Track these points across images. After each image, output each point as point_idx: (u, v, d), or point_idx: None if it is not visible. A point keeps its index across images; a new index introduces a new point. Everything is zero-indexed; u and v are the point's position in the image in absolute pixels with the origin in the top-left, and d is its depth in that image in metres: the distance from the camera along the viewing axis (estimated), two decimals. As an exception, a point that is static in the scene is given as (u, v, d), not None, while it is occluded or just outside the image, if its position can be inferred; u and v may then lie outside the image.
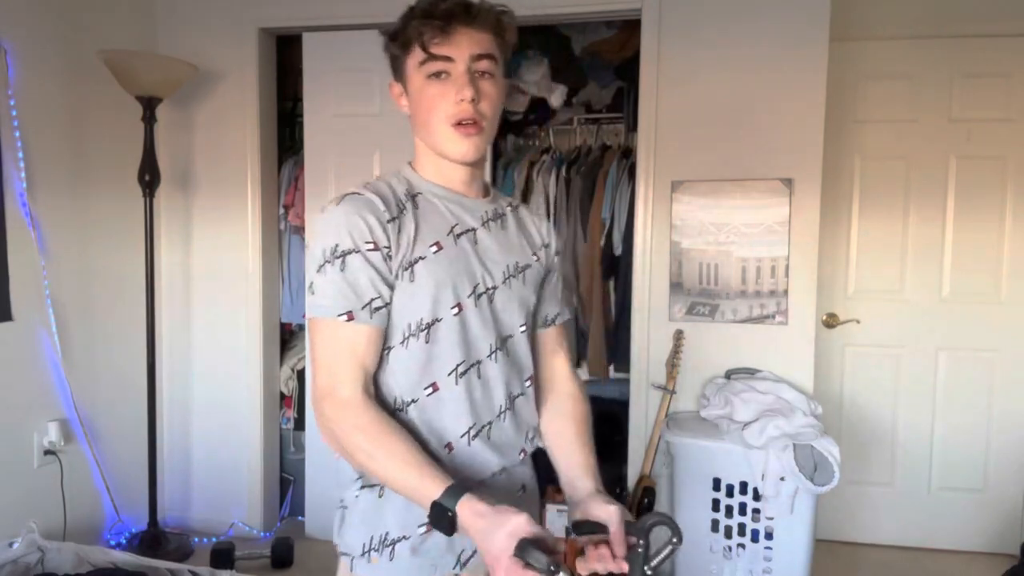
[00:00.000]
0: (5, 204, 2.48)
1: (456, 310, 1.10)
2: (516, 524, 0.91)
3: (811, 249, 2.72)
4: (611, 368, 3.20)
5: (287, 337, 3.44)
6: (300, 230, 3.25)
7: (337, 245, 1.04)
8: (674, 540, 1.00)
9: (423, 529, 1.06)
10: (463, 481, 0.99)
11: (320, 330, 1.06)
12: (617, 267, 3.11)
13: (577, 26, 3.35)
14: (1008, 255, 3.03)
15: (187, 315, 3.22)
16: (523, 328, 1.20)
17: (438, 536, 1.05)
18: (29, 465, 2.61)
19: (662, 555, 1.00)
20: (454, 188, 1.16)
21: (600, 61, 3.37)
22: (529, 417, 1.21)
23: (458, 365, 1.10)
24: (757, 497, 2.42)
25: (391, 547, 1.08)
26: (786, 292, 2.73)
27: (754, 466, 2.40)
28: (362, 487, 1.10)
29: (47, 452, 2.65)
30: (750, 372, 2.71)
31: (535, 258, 1.24)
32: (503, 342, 1.16)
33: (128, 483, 2.99)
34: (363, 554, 1.09)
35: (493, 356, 1.14)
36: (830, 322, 3.12)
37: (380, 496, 1.09)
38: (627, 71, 3.17)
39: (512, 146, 3.52)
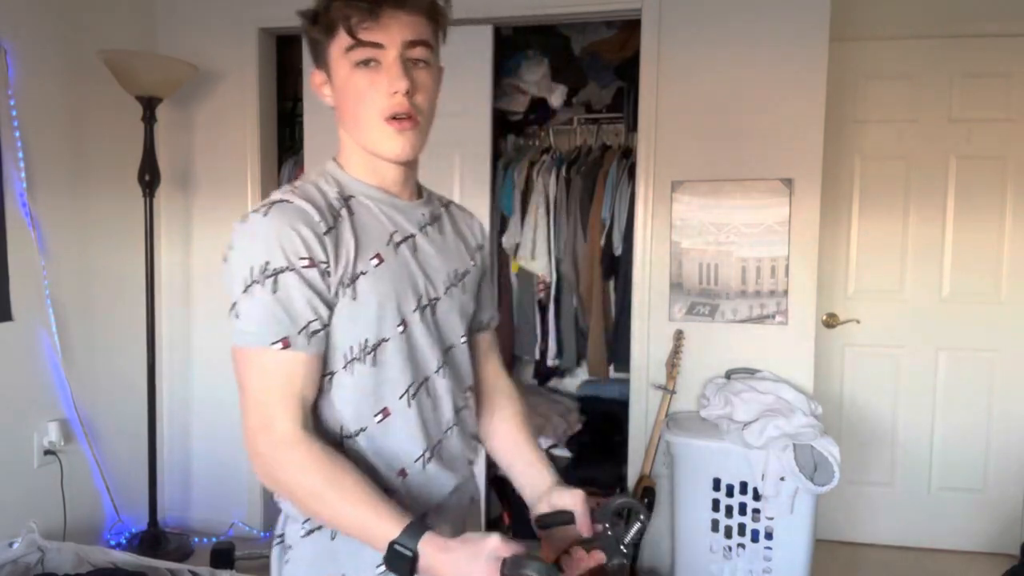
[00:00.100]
0: (5, 204, 2.48)
1: (402, 328, 1.00)
2: (493, 547, 0.86)
3: (811, 249, 2.72)
4: (611, 368, 3.20)
5: (287, 337, 3.44)
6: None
7: (268, 262, 0.92)
8: (642, 518, 1.00)
9: (381, 569, 0.94)
10: (421, 517, 0.93)
11: (249, 360, 0.93)
12: (617, 267, 3.11)
13: (577, 26, 3.35)
14: (1008, 255, 3.03)
15: (187, 315, 3.22)
16: (464, 338, 1.12)
17: (382, 573, 0.95)
18: (29, 465, 2.61)
19: (631, 534, 1.00)
20: (388, 189, 1.05)
21: (600, 61, 3.37)
22: (472, 426, 1.16)
23: (409, 387, 1.01)
24: (757, 497, 2.42)
25: None
26: (786, 292, 2.73)
27: (754, 466, 2.40)
28: (311, 529, 1.00)
29: (47, 452, 2.65)
30: (750, 372, 2.71)
31: (472, 263, 1.17)
32: (446, 354, 1.08)
33: (128, 483, 2.99)
34: None
35: (440, 371, 1.06)
36: (830, 322, 3.12)
37: (333, 538, 0.98)
38: (627, 71, 3.17)
39: (512, 146, 3.52)
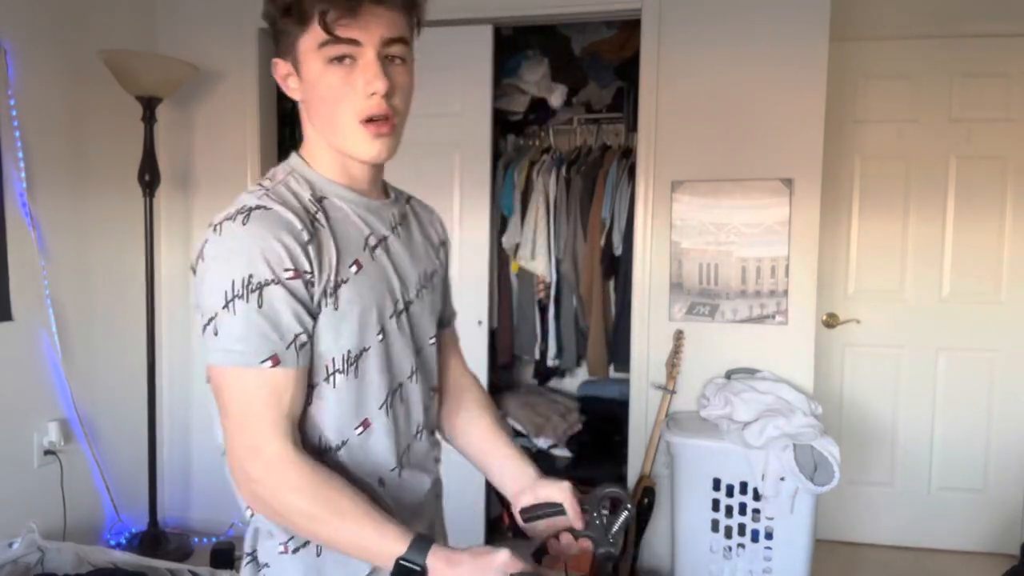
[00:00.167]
0: (5, 204, 2.48)
1: (381, 336, 0.97)
2: (501, 562, 0.84)
3: (811, 249, 2.72)
4: (611, 368, 3.21)
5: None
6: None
7: (251, 275, 0.86)
8: (628, 507, 1.01)
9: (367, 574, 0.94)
10: (425, 532, 0.92)
11: (234, 381, 0.88)
12: (617, 267, 3.11)
13: (577, 26, 3.35)
14: (1008, 255, 3.03)
15: (187, 315, 3.22)
16: (432, 339, 1.10)
17: None
18: (29, 465, 2.61)
19: (618, 523, 1.00)
20: (358, 188, 1.00)
21: (600, 61, 3.37)
22: (435, 423, 1.14)
23: (387, 396, 0.98)
24: (757, 497, 2.42)
25: None
26: (786, 292, 2.73)
27: (754, 466, 2.40)
28: (296, 547, 0.95)
29: (47, 452, 2.65)
30: (750, 372, 2.71)
31: (438, 261, 1.15)
32: (418, 358, 1.05)
33: (128, 483, 2.99)
34: None
35: (413, 376, 1.03)
36: (830, 322, 3.12)
37: (319, 554, 0.94)
38: (627, 71, 3.17)
39: (512, 146, 3.52)
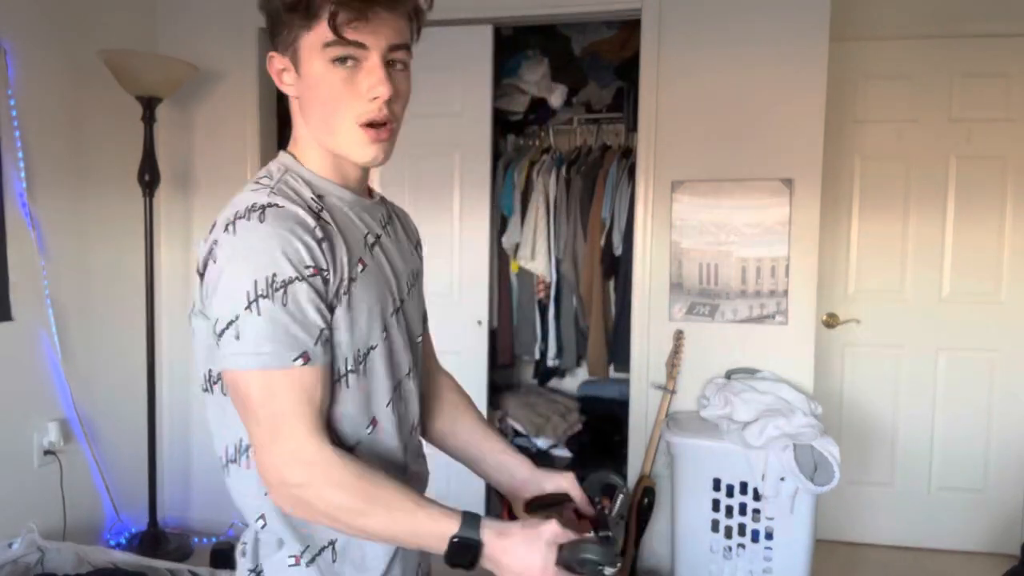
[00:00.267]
0: (5, 204, 2.48)
1: (384, 333, 0.97)
2: (552, 532, 0.86)
3: (811, 249, 2.72)
4: (611, 368, 3.21)
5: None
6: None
7: (275, 274, 0.84)
8: (625, 490, 1.04)
9: None
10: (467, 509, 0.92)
11: (264, 384, 0.85)
12: (617, 267, 3.11)
13: (577, 26, 3.35)
14: (1008, 255, 3.03)
15: (187, 315, 3.22)
16: (420, 337, 1.11)
17: None
18: (29, 465, 2.61)
19: (618, 507, 1.02)
20: (351, 188, 1.00)
21: (600, 61, 3.37)
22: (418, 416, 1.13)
23: (391, 393, 0.98)
24: (757, 497, 2.42)
25: None
26: (786, 292, 2.73)
27: (754, 466, 2.40)
28: (308, 560, 0.93)
29: (47, 452, 2.65)
30: (750, 372, 2.71)
31: (419, 260, 1.15)
32: (413, 355, 1.06)
33: (128, 483, 2.99)
34: None
35: (410, 373, 1.04)
36: (830, 322, 3.12)
37: (335, 561, 0.94)
38: (627, 71, 3.17)
39: (512, 146, 3.52)
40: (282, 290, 0.84)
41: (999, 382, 3.06)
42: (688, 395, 2.78)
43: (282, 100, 3.43)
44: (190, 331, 0.97)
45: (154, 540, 2.90)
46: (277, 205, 0.88)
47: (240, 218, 0.86)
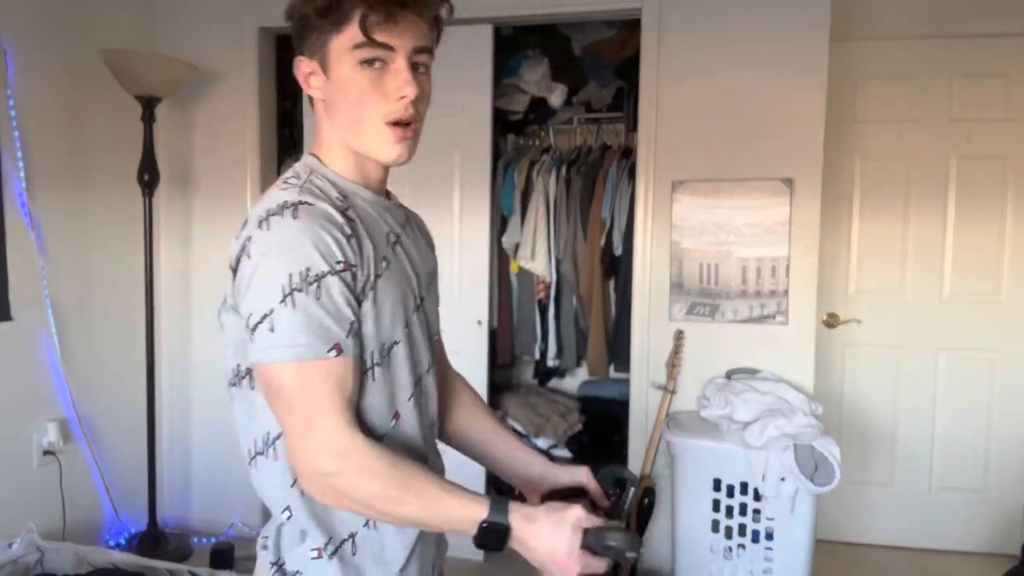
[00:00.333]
0: (4, 204, 2.48)
1: (406, 330, 1.00)
2: (577, 517, 0.89)
3: (811, 249, 2.71)
4: (611, 368, 3.20)
5: (287, 337, 3.44)
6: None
7: (308, 268, 0.87)
8: (634, 485, 1.08)
9: (402, 571, 0.99)
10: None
11: (298, 375, 0.87)
12: (617, 267, 3.11)
13: (577, 26, 3.35)
14: (1008, 255, 3.03)
15: (187, 315, 3.22)
16: (437, 335, 1.13)
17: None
18: (28, 465, 2.61)
19: (630, 499, 1.07)
20: (374, 189, 1.03)
21: (600, 61, 3.37)
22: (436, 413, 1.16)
23: (412, 388, 1.01)
24: (757, 497, 2.42)
25: None
26: (786, 292, 2.73)
27: (754, 466, 2.40)
28: (331, 552, 0.95)
29: (46, 452, 2.65)
30: (750, 372, 2.71)
31: (435, 261, 1.19)
32: (431, 352, 1.08)
33: (127, 483, 2.99)
34: None
35: (430, 370, 1.07)
36: (831, 322, 3.12)
37: (355, 554, 0.96)
38: (627, 71, 3.17)
39: (512, 146, 3.52)
40: (315, 284, 0.87)
41: (999, 382, 3.06)
42: (688, 395, 2.78)
43: (282, 100, 3.44)
44: (218, 326, 1.00)
45: (154, 540, 2.89)
46: (308, 203, 0.91)
47: (273, 215, 0.89)
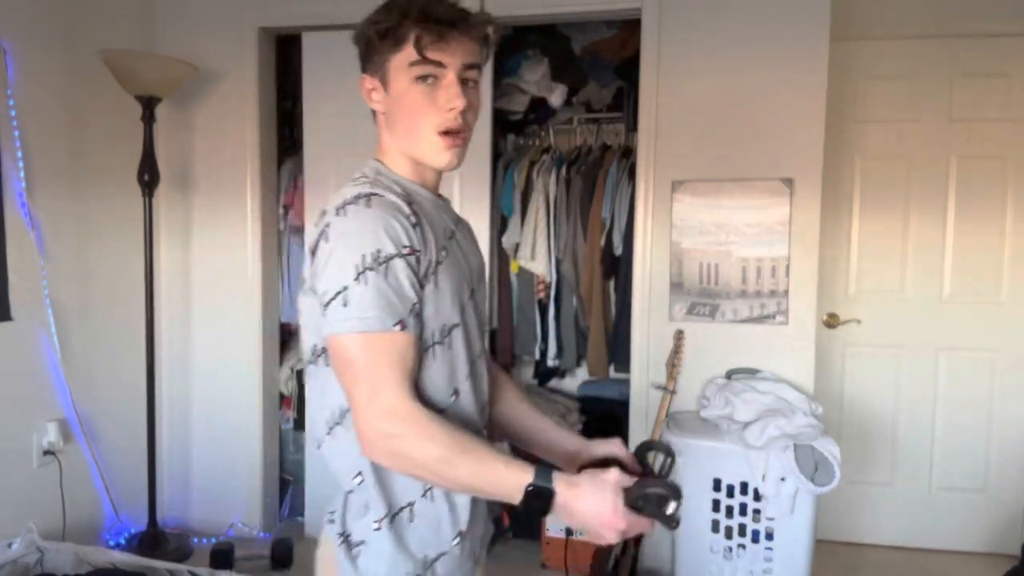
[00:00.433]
0: (4, 204, 2.48)
1: (463, 314, 1.10)
2: (616, 477, 0.96)
3: (811, 249, 2.72)
4: (611, 368, 3.20)
5: (287, 337, 3.44)
6: (300, 230, 3.25)
7: (379, 250, 0.98)
8: (670, 458, 1.14)
9: (456, 541, 1.08)
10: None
11: (367, 345, 0.97)
12: (617, 267, 3.11)
13: (577, 26, 3.34)
14: (1008, 255, 3.03)
15: (187, 315, 3.22)
16: (486, 325, 1.25)
17: (458, 548, 1.08)
18: (28, 465, 2.61)
19: (664, 466, 1.14)
20: (430, 190, 1.16)
21: (600, 61, 3.36)
22: (487, 396, 1.24)
23: (468, 368, 1.11)
24: (757, 497, 2.42)
25: (431, 566, 1.07)
26: (786, 292, 2.73)
27: (754, 466, 2.40)
28: (389, 522, 1.04)
29: (46, 452, 2.65)
30: (751, 372, 2.71)
31: (483, 258, 1.30)
32: (481, 340, 1.19)
33: (127, 483, 2.99)
34: None
35: (482, 355, 1.17)
36: (831, 322, 3.12)
37: (412, 521, 1.06)
38: (627, 71, 3.17)
39: (512, 146, 3.51)
40: (385, 264, 0.98)
41: (999, 382, 3.06)
42: (688, 395, 2.78)
43: (282, 100, 3.45)
44: (297, 311, 1.09)
45: (153, 540, 2.89)
46: (379, 195, 1.03)
47: (349, 204, 1.02)
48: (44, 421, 2.65)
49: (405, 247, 1.00)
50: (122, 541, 2.93)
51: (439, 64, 1.05)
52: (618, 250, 3.07)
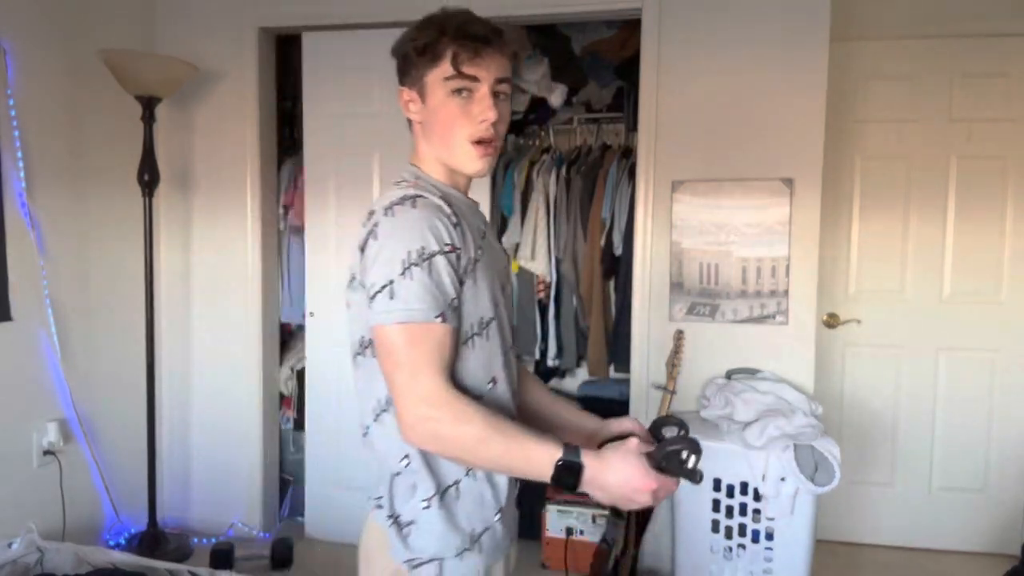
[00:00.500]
0: (4, 204, 2.48)
1: (497, 308, 1.18)
2: (636, 444, 1.06)
3: (811, 249, 2.71)
4: (611, 368, 3.20)
5: (287, 337, 3.44)
6: (300, 230, 3.25)
7: (424, 248, 1.05)
8: (683, 430, 1.21)
9: (497, 516, 1.16)
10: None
11: (409, 335, 1.05)
12: (617, 267, 3.11)
13: (577, 26, 3.34)
14: (1008, 255, 3.03)
15: (187, 315, 3.22)
16: (514, 320, 1.32)
17: (500, 523, 1.17)
18: (28, 465, 2.61)
19: (678, 433, 1.22)
20: (462, 192, 1.24)
21: (600, 61, 3.36)
22: (517, 384, 1.33)
23: (504, 357, 1.19)
24: (757, 498, 2.42)
25: (478, 540, 1.15)
26: (786, 292, 2.73)
27: (754, 466, 2.40)
28: (438, 501, 1.11)
29: (46, 452, 2.65)
30: (751, 372, 2.71)
31: (508, 259, 1.36)
32: (512, 333, 1.27)
33: (127, 483, 2.99)
34: (457, 555, 1.13)
35: (512, 348, 1.25)
36: (831, 322, 3.12)
37: (458, 498, 1.13)
38: (627, 71, 3.17)
39: (512, 146, 3.51)
40: (428, 260, 1.05)
41: (999, 382, 3.06)
42: (688, 395, 2.78)
43: (282, 100, 3.44)
44: (345, 305, 1.17)
45: (153, 540, 2.89)
46: (424, 196, 1.11)
47: (396, 205, 1.09)
48: (44, 421, 2.66)
49: (447, 245, 1.07)
50: (122, 541, 2.93)
51: (473, 78, 1.13)
52: (618, 250, 3.07)
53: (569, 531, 2.87)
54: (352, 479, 3.01)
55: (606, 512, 2.91)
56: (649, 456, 1.05)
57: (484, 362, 1.15)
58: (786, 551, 2.42)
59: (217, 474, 3.21)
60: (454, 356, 1.09)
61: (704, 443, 2.67)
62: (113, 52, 2.70)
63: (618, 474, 1.03)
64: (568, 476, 1.02)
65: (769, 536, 2.43)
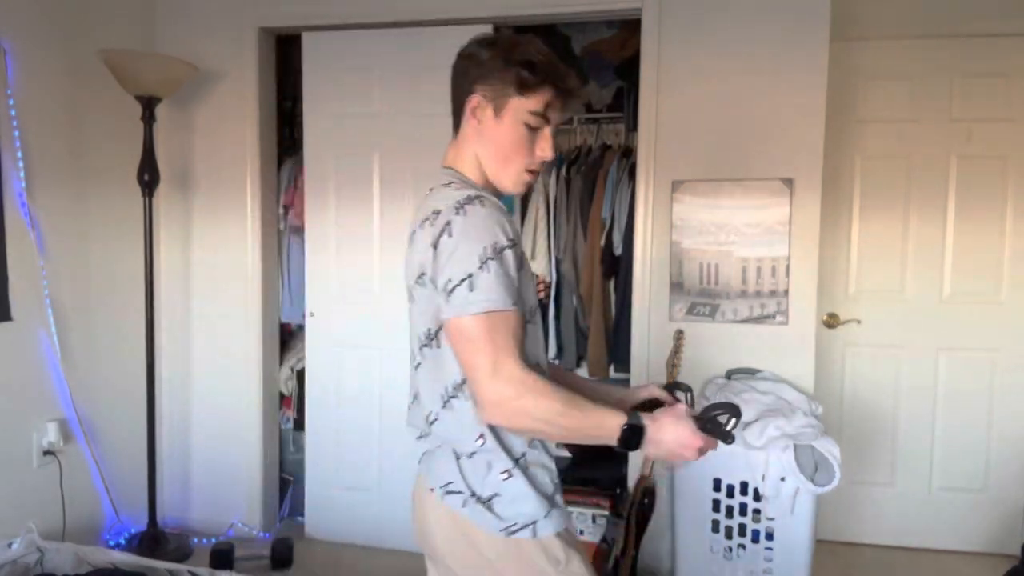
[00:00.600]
0: (4, 204, 2.48)
1: (535, 300, 1.31)
2: (683, 410, 1.21)
3: (811, 249, 2.71)
4: (611, 368, 3.20)
5: (287, 337, 3.44)
6: (300, 230, 3.25)
7: (496, 242, 1.15)
8: (690, 393, 1.45)
9: (557, 480, 1.29)
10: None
11: (490, 323, 1.14)
12: (617, 267, 3.11)
13: (577, 26, 3.34)
14: (1009, 255, 3.03)
15: (187, 315, 3.22)
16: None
17: (559, 486, 1.29)
18: (28, 465, 2.61)
19: (690, 400, 1.43)
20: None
21: (600, 61, 3.36)
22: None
23: (543, 342, 1.31)
24: (758, 498, 2.42)
25: (553, 499, 1.26)
26: (787, 292, 2.73)
27: (755, 466, 2.40)
28: (517, 470, 1.22)
29: (46, 452, 2.65)
30: (751, 372, 2.71)
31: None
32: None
33: (127, 483, 2.99)
34: (546, 516, 1.23)
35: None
36: (831, 322, 3.11)
37: (527, 466, 1.24)
38: (627, 71, 3.17)
39: (512, 146, 3.51)
40: (501, 253, 1.16)
41: (999, 382, 3.06)
42: (688, 395, 2.77)
43: (282, 100, 3.43)
44: (410, 300, 1.27)
45: (153, 540, 2.89)
46: (486, 196, 1.21)
47: (466, 204, 1.18)
48: (44, 421, 2.66)
49: (511, 239, 1.18)
50: (122, 541, 2.93)
51: (548, 120, 1.27)
52: (618, 250, 3.07)
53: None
54: (352, 479, 3.01)
55: (606, 512, 2.91)
56: (696, 419, 1.19)
57: (533, 345, 1.26)
58: (786, 551, 2.42)
59: (217, 474, 3.21)
60: (523, 338, 1.19)
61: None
62: (113, 52, 2.70)
63: (673, 432, 1.18)
64: (633, 437, 1.15)
65: (769, 536, 2.43)
